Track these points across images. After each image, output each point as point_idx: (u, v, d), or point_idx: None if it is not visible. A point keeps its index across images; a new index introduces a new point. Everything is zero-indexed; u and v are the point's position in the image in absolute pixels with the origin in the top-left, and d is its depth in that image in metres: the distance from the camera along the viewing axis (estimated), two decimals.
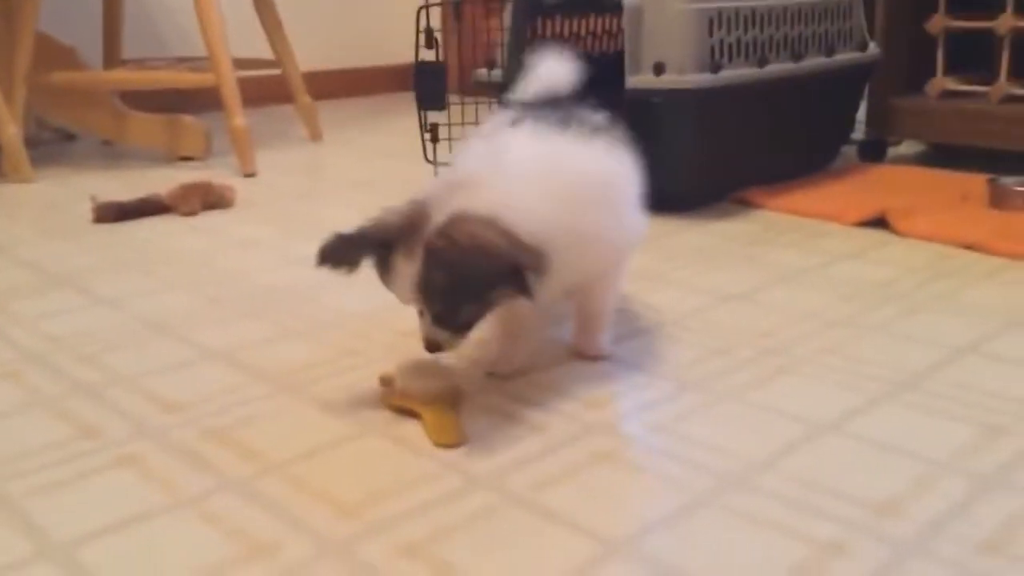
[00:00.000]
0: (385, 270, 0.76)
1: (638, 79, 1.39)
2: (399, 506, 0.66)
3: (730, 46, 1.42)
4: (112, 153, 2.15)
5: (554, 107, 0.89)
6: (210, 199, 1.54)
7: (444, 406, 0.78)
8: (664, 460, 0.72)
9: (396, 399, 0.80)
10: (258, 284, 1.17)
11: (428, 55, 1.65)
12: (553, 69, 0.97)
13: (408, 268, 0.73)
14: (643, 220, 0.89)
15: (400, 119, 2.62)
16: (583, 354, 0.92)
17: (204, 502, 0.67)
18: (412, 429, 0.77)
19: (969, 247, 1.24)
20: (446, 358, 0.84)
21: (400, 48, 3.15)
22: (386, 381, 0.82)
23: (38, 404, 0.83)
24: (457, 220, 0.72)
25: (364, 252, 0.76)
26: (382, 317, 1.03)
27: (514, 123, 0.85)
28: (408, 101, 2.93)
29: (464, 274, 0.72)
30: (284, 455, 0.74)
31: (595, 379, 0.87)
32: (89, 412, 0.82)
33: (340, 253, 0.76)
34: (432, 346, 0.76)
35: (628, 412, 0.80)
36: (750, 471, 0.69)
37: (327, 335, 0.99)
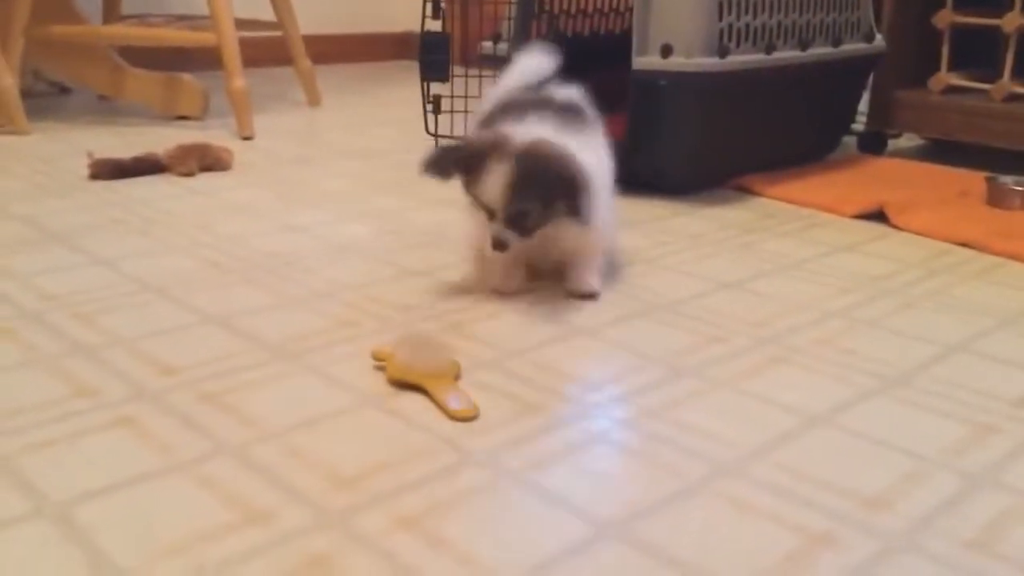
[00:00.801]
0: (474, 178, 0.94)
1: (645, 60, 1.38)
2: (395, 479, 0.67)
3: (738, 31, 1.41)
4: (108, 109, 2.13)
5: (535, 90, 1.09)
6: (207, 161, 1.53)
7: (449, 379, 0.78)
8: (658, 445, 0.72)
9: (398, 373, 0.80)
10: (255, 250, 1.16)
11: (434, 26, 1.64)
12: (535, 63, 1.14)
13: (498, 172, 0.91)
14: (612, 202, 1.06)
15: (398, 88, 2.61)
16: (573, 293, 1.02)
17: (200, 466, 0.67)
18: (408, 403, 0.78)
19: (965, 244, 1.25)
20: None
21: (400, 15, 3.12)
22: (380, 356, 0.82)
23: (34, 362, 0.83)
24: (542, 141, 0.94)
25: (460, 163, 0.95)
26: (376, 290, 1.03)
27: (505, 109, 1.03)
28: (407, 69, 2.92)
29: (545, 176, 0.92)
30: (281, 423, 0.74)
31: (591, 361, 0.87)
32: (86, 372, 0.81)
33: (441, 164, 0.95)
34: (499, 244, 0.93)
35: (623, 396, 0.81)
36: (743, 460, 0.70)
37: (323, 305, 0.99)
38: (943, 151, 1.85)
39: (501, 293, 1.02)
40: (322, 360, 0.86)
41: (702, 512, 0.64)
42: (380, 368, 0.82)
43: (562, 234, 0.97)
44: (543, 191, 0.92)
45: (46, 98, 2.23)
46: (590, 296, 1.02)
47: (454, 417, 0.75)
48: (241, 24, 1.87)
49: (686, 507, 0.64)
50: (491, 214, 0.94)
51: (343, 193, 1.45)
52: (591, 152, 1.00)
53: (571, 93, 1.08)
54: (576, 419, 0.76)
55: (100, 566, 0.57)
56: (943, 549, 0.60)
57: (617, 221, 1.09)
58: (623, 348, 0.90)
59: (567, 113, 1.02)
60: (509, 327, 0.94)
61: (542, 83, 1.11)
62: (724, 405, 0.79)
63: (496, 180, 0.92)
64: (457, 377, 0.80)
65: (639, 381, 0.83)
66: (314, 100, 2.24)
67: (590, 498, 0.65)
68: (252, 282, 1.05)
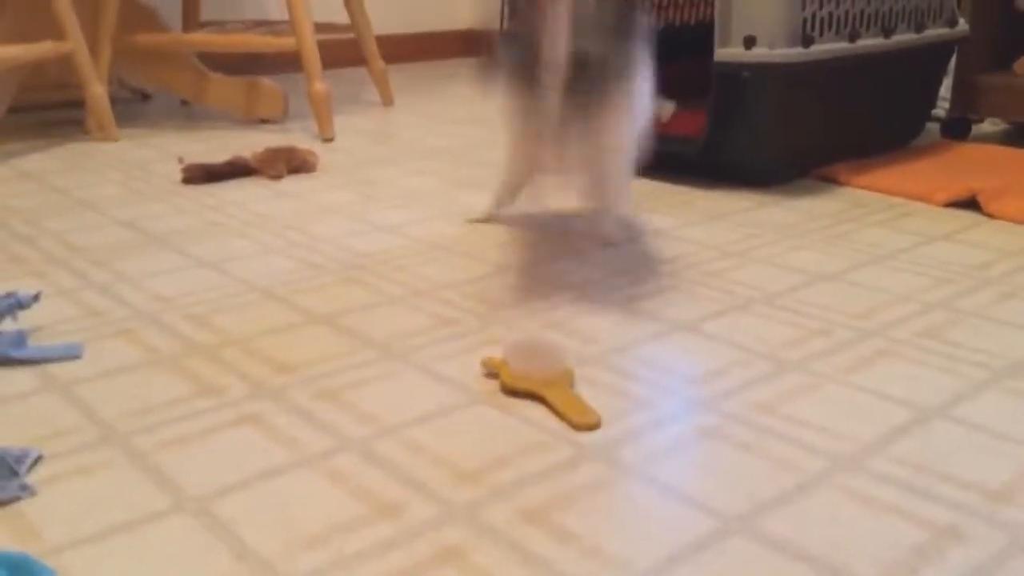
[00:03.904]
0: (533, 28, 0.94)
1: (727, 52, 1.38)
2: (515, 473, 0.68)
3: (822, 20, 1.40)
4: (189, 113, 2.19)
5: None
6: (294, 163, 1.57)
7: (565, 387, 0.79)
8: (771, 439, 0.73)
9: (513, 382, 0.80)
10: (350, 250, 1.19)
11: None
12: None
13: (559, 15, 0.92)
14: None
15: (464, 85, 2.63)
16: (595, 238, 1.12)
17: (327, 461, 0.70)
18: (516, 399, 0.79)
19: None
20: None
21: (464, 13, 3.15)
22: (492, 365, 0.83)
23: (156, 362, 0.87)
24: None
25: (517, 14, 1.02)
26: (472, 287, 1.05)
27: None
28: (470, 67, 2.94)
29: (607, 14, 0.95)
30: (397, 419, 0.76)
31: (694, 355, 0.88)
32: (206, 370, 0.85)
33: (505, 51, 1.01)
34: (558, 90, 0.93)
35: (730, 390, 0.81)
36: (860, 453, 0.70)
37: (423, 303, 1.01)
38: None
39: (552, 173, 1.10)
40: (428, 357, 0.88)
41: (825, 506, 0.64)
42: (492, 376, 0.83)
43: (600, 101, 0.99)
44: (604, 29, 0.95)
45: (130, 104, 2.30)
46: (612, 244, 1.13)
47: (578, 427, 0.75)
48: (318, 28, 1.91)
49: (808, 501, 0.64)
50: (546, 66, 0.94)
51: (426, 192, 1.48)
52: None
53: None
54: (685, 414, 0.77)
55: (244, 557, 0.59)
56: None
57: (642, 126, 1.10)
58: (725, 342, 0.90)
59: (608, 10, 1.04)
60: (608, 323, 0.95)
61: None
62: (833, 399, 0.79)
63: (556, 21, 0.92)
64: (571, 384, 0.81)
65: (745, 375, 0.84)
66: (388, 100, 2.27)
67: (710, 492, 0.66)
68: (351, 281, 1.08)
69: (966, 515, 0.63)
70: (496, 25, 1.02)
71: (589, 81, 0.96)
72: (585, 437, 0.73)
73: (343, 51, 2.39)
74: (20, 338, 0.87)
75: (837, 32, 1.43)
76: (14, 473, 0.66)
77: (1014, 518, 0.62)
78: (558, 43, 0.93)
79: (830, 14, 1.41)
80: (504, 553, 0.59)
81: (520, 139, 1.10)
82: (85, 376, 0.84)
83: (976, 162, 1.58)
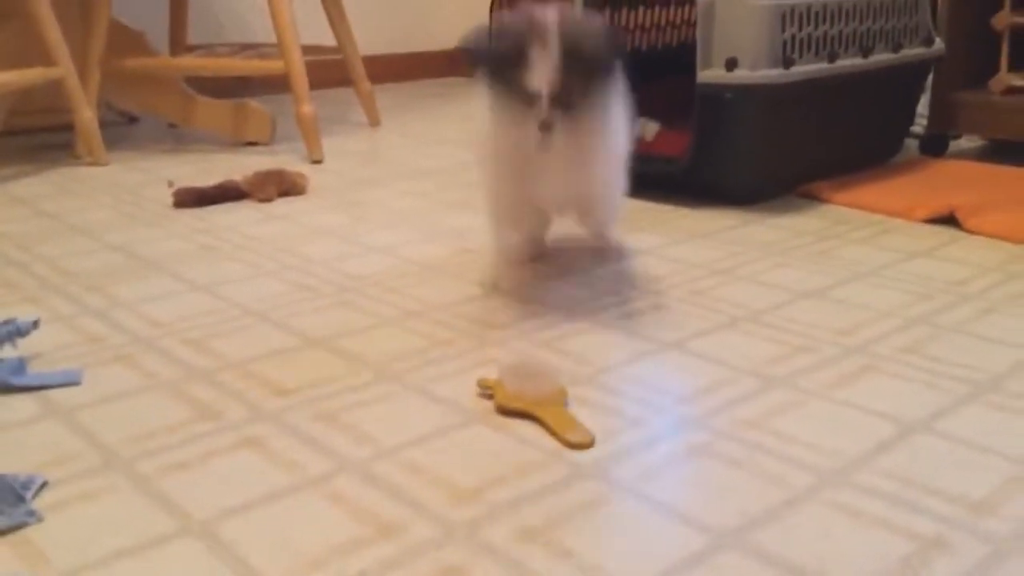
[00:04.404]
0: (516, 62, 0.95)
1: (710, 74, 1.41)
2: (512, 492, 0.70)
3: (801, 41, 1.43)
4: (177, 136, 2.20)
5: None
6: (284, 186, 1.59)
7: (559, 406, 0.81)
8: (760, 455, 0.75)
9: (508, 402, 0.81)
10: (343, 272, 1.21)
11: None
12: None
13: (542, 50, 0.94)
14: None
15: (451, 105, 2.65)
16: (595, 240, 1.15)
17: (328, 483, 0.71)
18: (511, 419, 0.81)
19: None
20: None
21: (448, 34, 3.17)
22: (487, 385, 0.85)
23: (156, 387, 0.88)
24: (573, 15, 0.98)
25: (499, 54, 0.98)
26: (465, 308, 1.07)
27: None
28: (456, 86, 2.97)
29: (587, 44, 0.96)
30: (395, 440, 0.78)
31: (683, 373, 0.90)
32: (205, 395, 0.86)
33: (483, 58, 1.00)
34: (546, 125, 0.96)
35: (719, 407, 0.83)
36: (847, 468, 0.72)
37: (417, 325, 1.03)
38: (1004, 151, 1.84)
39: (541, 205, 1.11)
40: (423, 378, 0.89)
41: (814, 520, 0.66)
42: (487, 397, 0.84)
43: (586, 131, 1.00)
44: (586, 61, 0.95)
45: (117, 128, 2.31)
46: (611, 249, 1.15)
47: (571, 446, 0.76)
48: (305, 50, 1.93)
49: (797, 516, 0.66)
50: (532, 100, 0.96)
51: (416, 213, 1.50)
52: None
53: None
54: (676, 431, 0.79)
55: None
56: None
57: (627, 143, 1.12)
58: (712, 360, 0.93)
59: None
60: (598, 343, 0.97)
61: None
62: (819, 414, 0.81)
63: (542, 58, 0.94)
64: (565, 403, 0.83)
65: (732, 393, 0.86)
66: (375, 121, 2.29)
67: (702, 508, 0.68)
68: (345, 303, 1.09)
69: (951, 527, 0.65)
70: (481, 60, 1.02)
71: (572, 114, 0.97)
72: (579, 456, 0.75)
73: (329, 71, 2.41)
74: (20, 365, 0.88)
75: (817, 53, 1.46)
76: (20, 499, 0.67)
77: (997, 529, 0.64)
78: (542, 79, 0.95)
79: (809, 36, 1.44)
80: (504, 571, 0.61)
81: (504, 191, 1.09)
82: (86, 402, 0.85)
83: (954, 178, 1.62)
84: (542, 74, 0.95)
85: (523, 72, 0.95)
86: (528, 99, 0.96)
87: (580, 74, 0.96)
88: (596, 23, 1.00)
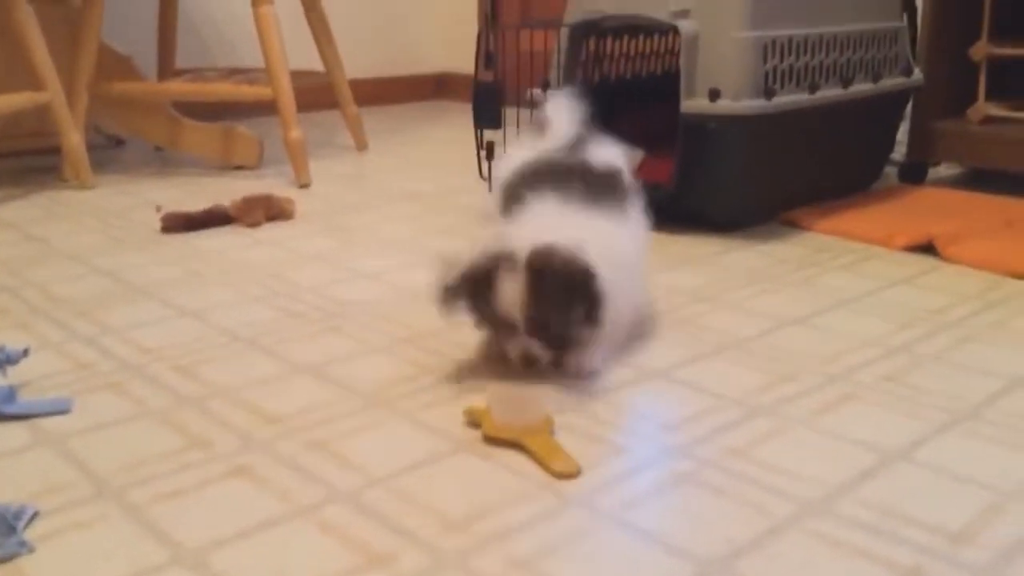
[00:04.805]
0: (484, 299, 0.91)
1: (693, 104, 1.43)
2: (501, 522, 0.71)
3: (783, 73, 1.46)
4: (164, 160, 2.21)
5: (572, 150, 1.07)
6: (272, 211, 1.60)
7: (546, 435, 0.82)
8: (743, 484, 0.76)
9: (495, 431, 0.82)
10: (332, 298, 1.21)
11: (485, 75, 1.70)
12: (562, 114, 1.13)
13: (512, 289, 0.88)
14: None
15: (437, 128, 2.67)
16: (570, 375, 0.95)
17: (318, 512, 0.72)
18: (500, 448, 0.82)
19: (1019, 277, 1.28)
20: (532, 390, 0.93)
21: (434, 57, 3.20)
22: (473, 414, 0.85)
23: (146, 414, 0.88)
24: (553, 247, 0.88)
25: (468, 290, 0.92)
26: (455, 336, 1.07)
27: (531, 178, 1.00)
28: (443, 110, 3.00)
29: (563, 285, 0.87)
30: (385, 469, 0.78)
31: (668, 402, 0.91)
32: (195, 423, 0.87)
33: (452, 299, 0.92)
34: (528, 360, 0.92)
35: (704, 436, 0.84)
36: (828, 497, 0.74)
37: (407, 352, 1.04)
38: (982, 179, 1.88)
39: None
40: (413, 406, 0.90)
41: (796, 549, 0.67)
42: (474, 425, 0.85)
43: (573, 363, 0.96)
44: (565, 297, 0.88)
45: (104, 151, 2.31)
46: (586, 377, 0.96)
47: (557, 475, 0.77)
48: (294, 76, 1.94)
49: (780, 544, 0.68)
50: (509, 330, 0.92)
51: (404, 238, 1.51)
52: (622, 231, 0.99)
53: (609, 156, 1.07)
54: (661, 460, 0.80)
55: None
56: None
57: (644, 291, 1.10)
58: (697, 389, 0.94)
59: (598, 186, 0.99)
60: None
61: (580, 140, 1.09)
62: (802, 443, 0.83)
63: (512, 297, 0.88)
64: (551, 431, 0.84)
65: (717, 421, 0.87)
66: (361, 144, 2.31)
67: (687, 537, 0.69)
68: (335, 330, 1.10)
69: (930, 557, 0.66)
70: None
71: (558, 348, 0.92)
72: (566, 485, 0.76)
73: (315, 94, 2.42)
74: (10, 393, 0.89)
75: (798, 84, 1.49)
76: (12, 530, 0.67)
77: (976, 559, 0.66)
78: (515, 310, 0.89)
79: (791, 67, 1.47)
80: None
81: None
82: (76, 430, 0.85)
83: (933, 206, 1.65)
84: (514, 306, 0.89)
85: (495, 305, 0.90)
86: (507, 330, 0.92)
87: (559, 307, 0.89)
88: (574, 252, 0.88)
